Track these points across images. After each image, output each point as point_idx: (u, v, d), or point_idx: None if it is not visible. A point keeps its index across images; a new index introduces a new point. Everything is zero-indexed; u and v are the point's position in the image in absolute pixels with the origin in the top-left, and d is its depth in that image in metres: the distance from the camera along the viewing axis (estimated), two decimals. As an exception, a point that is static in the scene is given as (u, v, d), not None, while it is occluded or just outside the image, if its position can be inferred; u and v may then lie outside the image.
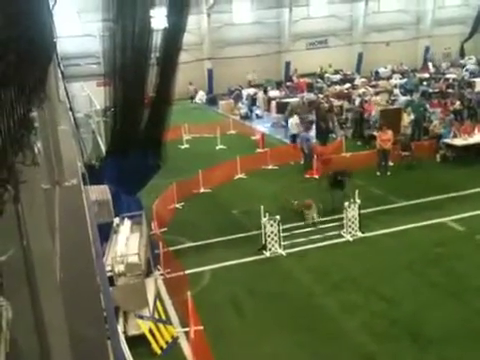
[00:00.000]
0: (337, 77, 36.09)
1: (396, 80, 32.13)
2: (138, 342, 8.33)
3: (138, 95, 11.49)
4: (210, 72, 37.75)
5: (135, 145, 11.58)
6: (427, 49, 41.72)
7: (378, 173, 17.14)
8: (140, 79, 11.37)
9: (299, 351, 8.25)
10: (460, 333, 8.49)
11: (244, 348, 8.44)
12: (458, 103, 22.40)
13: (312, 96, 27.26)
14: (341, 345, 8.31)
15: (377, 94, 26.13)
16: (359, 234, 12.40)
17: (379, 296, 9.71)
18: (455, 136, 18.39)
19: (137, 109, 11.64)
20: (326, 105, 23.31)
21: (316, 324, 8.96)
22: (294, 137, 20.77)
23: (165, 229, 13.24)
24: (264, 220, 11.71)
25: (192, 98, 35.78)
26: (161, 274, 10.96)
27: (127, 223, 10.54)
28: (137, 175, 11.71)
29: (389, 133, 17.51)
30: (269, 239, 11.74)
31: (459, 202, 14.03)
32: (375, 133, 18.73)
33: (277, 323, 9.09)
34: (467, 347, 8.11)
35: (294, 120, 21.20)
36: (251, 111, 29.00)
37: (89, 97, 22.44)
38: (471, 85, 26.90)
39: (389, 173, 17.12)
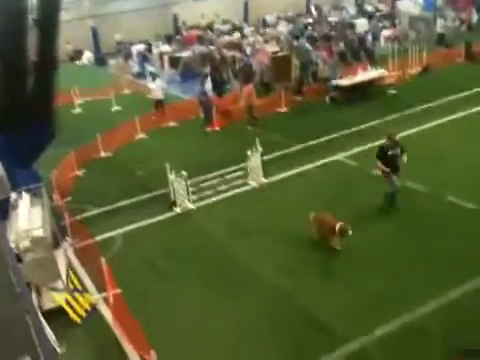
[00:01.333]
0: (226, 27, 35.91)
1: (283, 27, 32.69)
2: (57, 315, 8.19)
3: (18, 61, 10.70)
4: (95, 30, 35.78)
5: (23, 115, 10.87)
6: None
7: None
8: (18, 44, 10.57)
9: (220, 303, 8.49)
10: (375, 251, 9.39)
11: (165, 307, 8.54)
12: (342, 45, 23.44)
13: (203, 48, 26.99)
14: (259, 289, 8.71)
15: (266, 42, 26.52)
16: (263, 180, 12.89)
17: (289, 238, 10.23)
18: (341, 77, 19.38)
19: (19, 76, 10.86)
20: (218, 57, 23.27)
21: (232, 274, 9.26)
22: (158, 103, 19.08)
23: (69, 198, 12.82)
24: (171, 177, 11.72)
25: (73, 59, 33.84)
26: (70, 244, 10.69)
27: (26, 197, 10.04)
28: (29, 147, 11.07)
29: (250, 87, 17.73)
30: (178, 195, 11.83)
31: (350, 139, 14.99)
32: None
33: (194, 278, 9.26)
34: (377, 266, 8.96)
35: (156, 84, 19.40)
36: (143, 68, 28.13)
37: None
38: (352, 26, 28.13)
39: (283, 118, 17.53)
